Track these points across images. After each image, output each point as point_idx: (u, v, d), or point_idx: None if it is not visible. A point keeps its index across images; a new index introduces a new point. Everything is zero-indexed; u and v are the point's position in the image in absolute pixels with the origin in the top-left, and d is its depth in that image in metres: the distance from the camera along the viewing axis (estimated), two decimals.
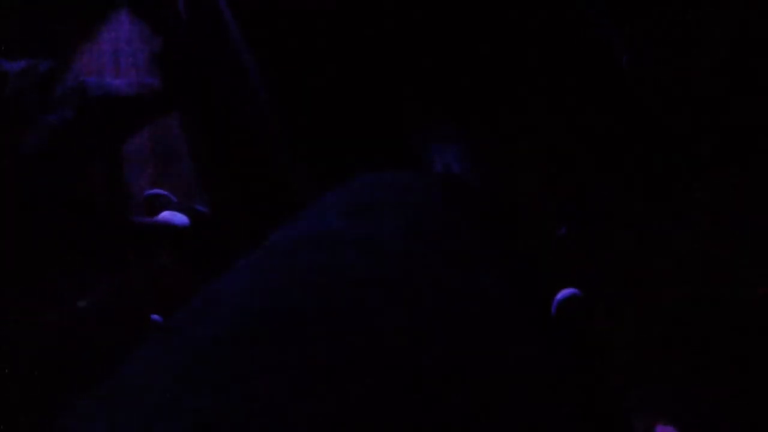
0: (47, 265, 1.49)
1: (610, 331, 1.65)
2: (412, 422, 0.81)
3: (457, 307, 0.96)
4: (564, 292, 1.58)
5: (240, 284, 1.03)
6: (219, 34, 2.14)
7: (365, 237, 1.03)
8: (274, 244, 1.08)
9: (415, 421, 0.81)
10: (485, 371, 0.88)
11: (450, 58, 2.00)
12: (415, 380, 0.84)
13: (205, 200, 2.00)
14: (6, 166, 1.43)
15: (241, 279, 1.04)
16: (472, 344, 0.92)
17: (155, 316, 1.56)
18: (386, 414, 0.81)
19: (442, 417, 0.82)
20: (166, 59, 2.13)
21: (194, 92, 2.11)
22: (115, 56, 2.16)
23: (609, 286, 1.71)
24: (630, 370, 1.58)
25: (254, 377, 0.85)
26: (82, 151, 1.55)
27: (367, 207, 1.09)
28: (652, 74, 1.87)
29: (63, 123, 1.50)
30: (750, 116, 1.76)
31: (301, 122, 2.07)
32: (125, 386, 0.93)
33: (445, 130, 2.05)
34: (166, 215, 1.87)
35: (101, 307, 1.53)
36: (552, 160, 1.92)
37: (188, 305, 1.09)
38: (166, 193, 1.97)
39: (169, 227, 1.83)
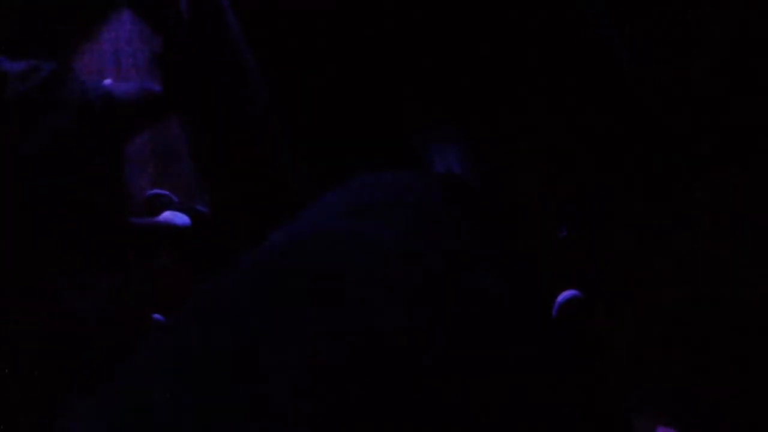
0: (47, 265, 1.49)
1: (610, 331, 1.65)
2: (412, 422, 0.81)
3: (457, 307, 0.96)
4: (565, 294, 1.58)
5: (238, 284, 1.03)
6: (220, 34, 2.14)
7: (365, 237, 1.03)
8: (273, 244, 1.08)
9: (415, 421, 0.81)
10: (485, 371, 0.88)
11: (450, 58, 2.00)
12: (415, 380, 0.84)
13: (205, 200, 2.00)
14: (6, 166, 1.43)
15: (239, 279, 1.04)
16: (472, 344, 0.92)
17: (157, 316, 1.56)
18: (386, 414, 0.81)
19: (442, 417, 0.82)
20: (167, 59, 2.13)
21: (194, 92, 2.11)
22: (116, 56, 2.16)
23: (609, 286, 1.71)
24: (630, 370, 1.59)
25: (254, 377, 0.85)
26: (83, 151, 1.56)
27: (367, 207, 1.09)
28: (652, 74, 1.87)
29: (63, 125, 1.51)
30: (750, 116, 1.76)
31: (301, 122, 2.07)
32: (125, 386, 0.93)
33: (445, 130, 2.05)
34: (167, 215, 1.87)
35: (101, 307, 1.53)
36: (552, 160, 1.92)
37: (188, 305, 1.09)
38: (167, 193, 1.97)
39: (170, 227, 1.83)
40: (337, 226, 1.07)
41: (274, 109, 2.10)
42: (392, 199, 1.11)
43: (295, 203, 1.56)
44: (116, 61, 2.15)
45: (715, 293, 1.62)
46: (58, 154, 1.50)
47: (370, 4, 2.01)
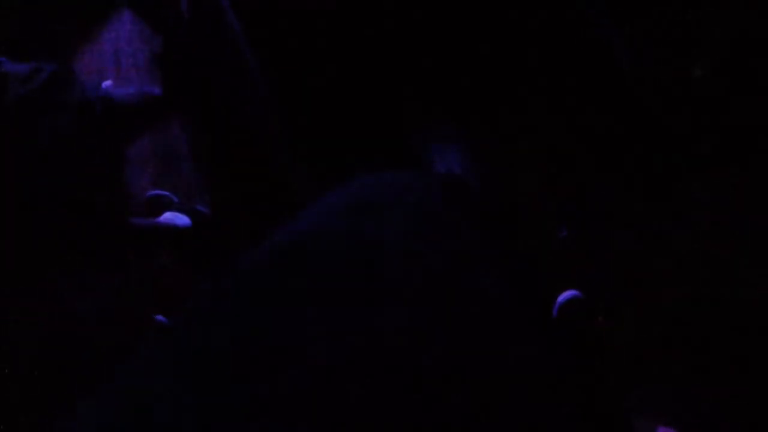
0: (47, 265, 1.48)
1: (610, 331, 1.65)
2: (412, 422, 0.81)
3: (457, 307, 0.96)
4: (566, 294, 1.58)
5: (238, 284, 1.03)
6: (220, 34, 2.14)
7: (365, 237, 1.03)
8: (273, 244, 1.08)
9: (415, 421, 0.81)
10: (485, 371, 0.88)
11: (450, 58, 2.00)
12: (415, 380, 0.84)
13: (205, 200, 2.00)
14: (6, 166, 1.43)
15: (239, 279, 1.04)
16: (472, 344, 0.92)
17: (160, 317, 1.56)
18: (386, 414, 0.81)
19: (442, 417, 0.82)
20: (167, 59, 2.13)
21: (194, 92, 2.11)
22: (116, 56, 2.16)
23: (609, 286, 1.71)
24: (630, 370, 1.59)
25: (254, 377, 0.85)
26: (82, 151, 1.55)
27: (367, 207, 1.09)
28: (652, 74, 1.87)
29: (63, 126, 1.51)
30: (750, 116, 1.76)
31: (301, 122, 2.07)
32: (125, 386, 0.93)
33: (445, 130, 2.05)
34: (167, 216, 1.87)
35: (101, 307, 1.53)
36: (552, 160, 1.92)
37: (188, 305, 1.09)
38: (167, 193, 1.97)
39: (170, 228, 1.83)
40: (337, 225, 1.07)
41: (274, 109, 2.10)
42: (392, 199, 1.11)
43: (295, 203, 1.56)
44: (116, 61, 2.15)
45: (715, 293, 1.62)
46: (58, 154, 1.50)
47: (370, 4, 2.01)
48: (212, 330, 0.95)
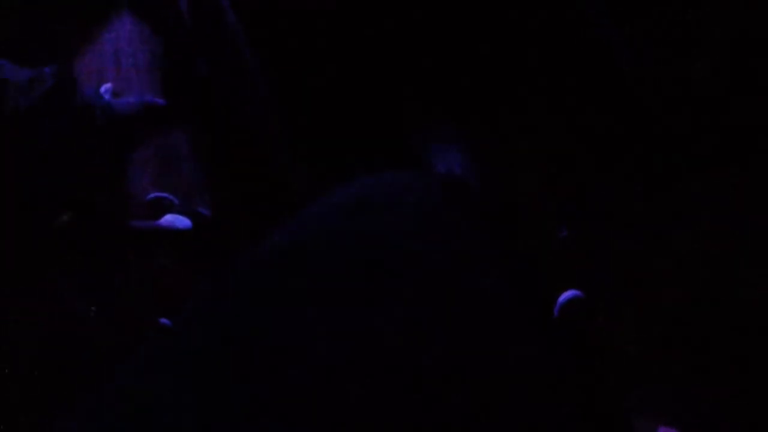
0: (47, 265, 1.49)
1: (610, 331, 1.65)
2: (412, 422, 0.81)
3: (457, 307, 0.96)
4: (566, 294, 1.58)
5: (238, 284, 1.03)
6: (220, 33, 2.14)
7: (365, 236, 1.03)
8: (273, 244, 1.08)
9: (415, 421, 0.81)
10: (485, 371, 0.88)
11: (450, 58, 2.00)
12: (415, 380, 0.84)
13: (205, 200, 2.00)
14: (6, 166, 1.43)
15: (239, 279, 1.04)
16: (472, 344, 0.92)
17: (164, 320, 1.55)
18: (386, 414, 0.81)
19: (442, 417, 0.83)
20: (167, 59, 2.13)
21: (195, 92, 2.11)
22: (116, 56, 2.16)
23: (609, 286, 1.71)
24: (630, 370, 1.58)
25: (254, 377, 0.85)
26: (82, 152, 1.56)
27: (367, 207, 1.09)
28: (652, 74, 1.87)
29: (64, 128, 1.51)
30: (750, 116, 1.76)
31: (301, 122, 2.07)
32: (125, 386, 0.93)
33: (445, 130, 2.05)
34: (168, 219, 1.87)
35: (101, 307, 1.53)
36: (552, 160, 1.92)
37: (188, 305, 1.09)
38: (168, 196, 1.97)
39: (171, 231, 1.83)
40: (337, 225, 1.08)
41: (274, 109, 2.10)
42: (392, 199, 1.11)
43: (295, 203, 1.56)
44: (116, 61, 2.15)
45: (715, 293, 1.62)
46: (58, 155, 1.50)
47: (370, 4, 2.01)
48: (212, 330, 0.95)
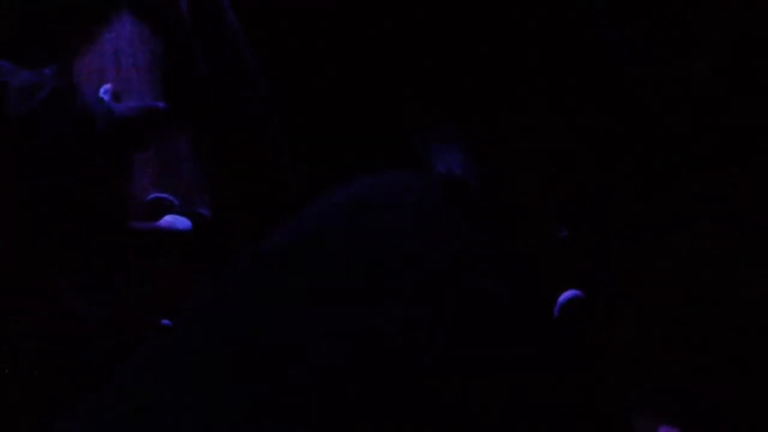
0: (47, 265, 1.48)
1: (610, 331, 1.65)
2: (412, 422, 0.81)
3: (457, 307, 0.96)
4: (566, 294, 1.58)
5: (238, 285, 1.03)
6: (220, 33, 2.14)
7: (365, 237, 1.03)
8: (273, 244, 1.08)
9: (415, 421, 0.81)
10: (485, 371, 0.88)
11: (450, 58, 2.00)
12: (415, 380, 0.84)
13: (205, 200, 2.00)
14: (6, 166, 1.43)
15: (239, 279, 1.04)
16: (472, 344, 0.92)
17: (166, 322, 1.55)
18: (386, 414, 0.81)
19: (442, 417, 0.83)
20: (167, 59, 2.13)
21: (195, 92, 2.11)
22: (116, 56, 2.16)
23: (609, 286, 1.71)
24: (630, 370, 1.58)
25: (254, 378, 0.85)
26: (83, 151, 1.55)
27: (367, 207, 1.09)
28: (652, 74, 1.87)
29: (64, 129, 1.50)
30: (750, 116, 1.76)
31: (301, 122, 2.07)
32: (125, 386, 0.93)
33: (445, 130, 2.05)
34: (168, 220, 1.87)
35: (101, 307, 1.53)
36: (552, 160, 1.92)
37: (188, 305, 1.09)
38: (168, 196, 1.97)
39: (171, 232, 1.83)
40: (337, 225, 1.07)
41: (274, 109, 2.10)
42: (392, 199, 1.11)
43: (295, 203, 1.56)
44: (116, 61, 2.15)
45: (715, 293, 1.62)
46: (58, 157, 1.50)
47: (370, 4, 2.01)
48: (212, 330, 0.95)
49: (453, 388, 0.85)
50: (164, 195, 1.97)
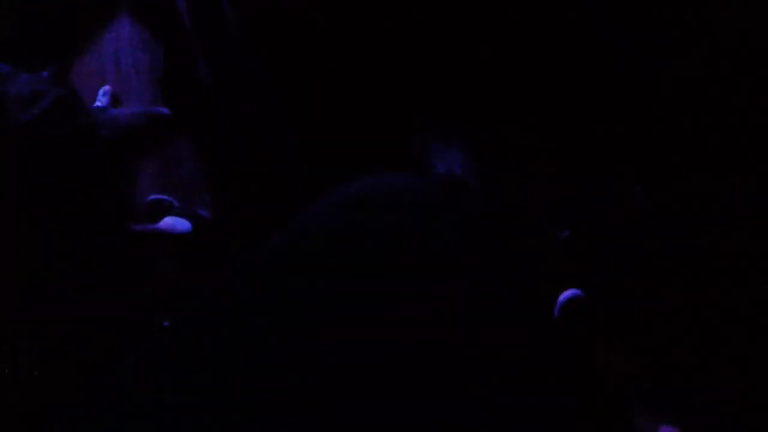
0: (48, 266, 1.49)
1: (611, 331, 1.65)
2: (411, 422, 0.81)
3: (456, 308, 0.96)
4: (567, 294, 1.58)
5: (239, 285, 1.03)
6: (220, 33, 2.14)
7: (364, 237, 1.03)
8: (273, 244, 1.08)
9: (416, 421, 0.81)
10: (485, 371, 0.88)
11: (450, 58, 2.00)
12: (414, 381, 0.84)
13: (205, 200, 2.00)
14: (7, 167, 1.43)
15: (239, 279, 1.04)
16: (472, 344, 0.92)
17: (167, 324, 1.56)
18: (387, 414, 0.81)
19: (442, 417, 0.83)
20: (167, 59, 2.13)
21: (195, 93, 2.11)
22: (116, 57, 2.16)
23: (609, 287, 1.71)
24: (630, 370, 1.59)
25: (255, 378, 0.85)
26: (84, 158, 1.56)
27: (366, 207, 1.09)
28: (652, 74, 1.87)
29: (66, 140, 1.51)
30: (750, 116, 1.76)
31: (301, 122, 2.07)
32: (125, 387, 0.93)
33: (445, 131, 2.05)
34: (168, 221, 1.87)
35: (102, 308, 1.53)
36: (552, 160, 1.92)
37: (188, 305, 1.09)
38: (168, 198, 1.97)
39: (171, 233, 1.83)
40: (336, 226, 1.07)
41: (275, 109, 2.10)
42: (392, 199, 1.11)
43: (295, 203, 1.56)
44: (116, 61, 2.15)
45: (715, 293, 1.62)
46: (60, 161, 1.50)
47: (370, 4, 2.01)
48: (212, 331, 0.95)
49: (453, 388, 0.85)
50: (164, 197, 1.97)
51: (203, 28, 2.14)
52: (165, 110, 1.90)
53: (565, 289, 1.59)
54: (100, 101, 2.06)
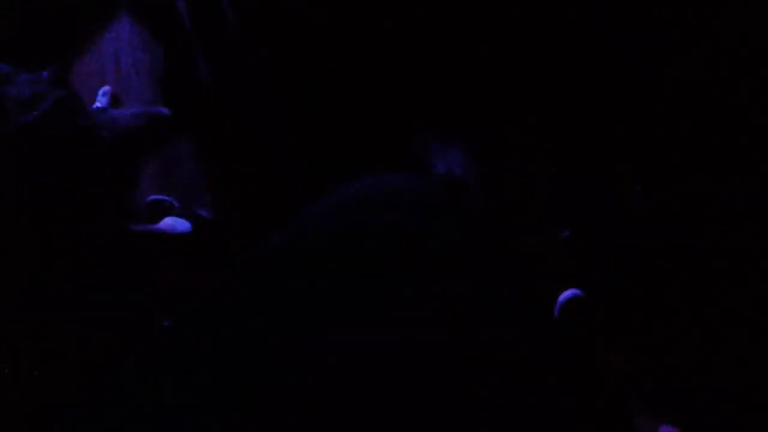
0: (48, 266, 1.49)
1: (611, 331, 1.66)
2: (412, 422, 0.81)
3: (456, 308, 0.96)
4: (566, 294, 1.58)
5: (239, 285, 1.03)
6: (220, 33, 2.14)
7: (364, 237, 1.03)
8: (273, 244, 1.08)
9: (416, 421, 0.81)
10: (485, 371, 0.88)
11: (450, 58, 2.00)
12: (413, 381, 0.84)
13: (205, 200, 2.00)
14: (6, 167, 1.43)
15: (239, 279, 1.04)
16: (472, 344, 0.92)
17: (167, 324, 1.56)
18: (387, 414, 0.81)
19: (441, 417, 0.83)
20: (167, 59, 2.13)
21: (195, 92, 2.11)
22: (116, 57, 2.16)
23: (609, 287, 1.71)
24: (630, 370, 1.59)
25: (255, 378, 0.85)
26: (85, 159, 1.56)
27: (366, 207, 1.09)
28: (652, 74, 1.88)
29: (65, 140, 1.51)
30: (750, 116, 1.76)
31: (301, 122, 2.07)
32: (125, 386, 0.93)
33: (445, 131, 2.05)
34: (168, 222, 1.87)
35: (102, 308, 1.53)
36: (552, 160, 1.92)
37: (188, 305, 1.09)
38: (168, 198, 1.97)
39: (171, 234, 1.83)
40: (336, 226, 1.07)
41: (275, 109, 2.10)
42: (392, 199, 1.11)
43: (295, 203, 1.56)
44: (116, 61, 2.15)
45: (715, 293, 1.62)
46: (60, 163, 1.50)
47: (370, 4, 2.01)
48: (212, 331, 0.95)
49: (453, 388, 0.85)
50: (164, 197, 1.97)
51: (203, 28, 2.14)
52: (165, 110, 1.90)
53: (565, 289, 1.59)
54: (100, 101, 2.06)
